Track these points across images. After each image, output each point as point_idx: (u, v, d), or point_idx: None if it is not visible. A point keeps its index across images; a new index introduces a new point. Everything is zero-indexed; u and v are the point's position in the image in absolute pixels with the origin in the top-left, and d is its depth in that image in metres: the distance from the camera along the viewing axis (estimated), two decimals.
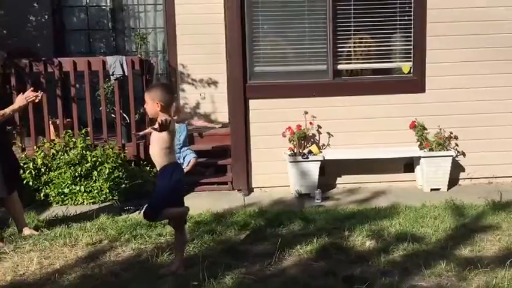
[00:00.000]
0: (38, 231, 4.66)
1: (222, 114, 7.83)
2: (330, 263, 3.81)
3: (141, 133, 4.97)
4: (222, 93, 7.74)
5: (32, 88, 4.58)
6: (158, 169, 3.69)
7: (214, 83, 7.93)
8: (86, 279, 3.64)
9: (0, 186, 4.32)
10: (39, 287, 3.53)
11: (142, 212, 4.01)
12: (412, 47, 6.19)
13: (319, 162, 5.99)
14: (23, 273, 3.78)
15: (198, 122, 6.43)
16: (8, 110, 4.40)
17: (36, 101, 4.47)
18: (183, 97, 7.95)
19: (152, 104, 3.57)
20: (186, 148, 6.11)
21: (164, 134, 3.53)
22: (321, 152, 6.13)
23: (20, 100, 4.40)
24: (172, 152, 3.71)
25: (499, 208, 5.03)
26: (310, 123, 6.09)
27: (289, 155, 6.05)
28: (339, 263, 3.82)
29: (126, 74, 6.03)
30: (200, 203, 5.59)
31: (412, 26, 6.15)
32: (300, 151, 6.06)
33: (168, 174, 3.63)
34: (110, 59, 6.03)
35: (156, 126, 3.42)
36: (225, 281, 3.54)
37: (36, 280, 3.65)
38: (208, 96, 7.97)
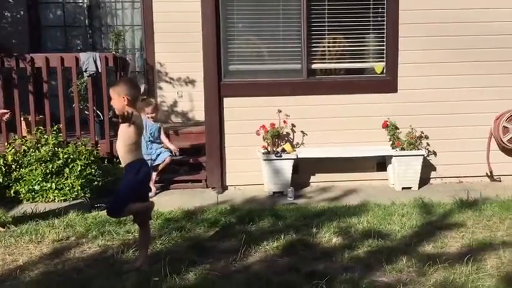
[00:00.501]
0: (4, 227, 4.62)
1: (200, 113, 7.83)
2: (294, 259, 3.84)
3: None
4: (200, 91, 7.71)
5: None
6: (123, 165, 3.68)
7: (192, 81, 7.95)
8: (48, 275, 3.62)
9: None
10: (1, 283, 3.50)
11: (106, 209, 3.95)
12: (385, 47, 6.25)
13: (293, 161, 6.03)
14: None
15: (164, 138, 6.35)
16: None
17: (4, 119, 4.45)
18: (160, 95, 7.96)
19: (118, 98, 3.59)
20: (160, 146, 6.09)
21: (130, 129, 3.52)
22: (295, 150, 6.17)
23: None
24: (138, 148, 3.70)
25: (466, 206, 5.11)
26: (284, 121, 6.12)
27: (262, 153, 6.07)
28: (304, 259, 3.85)
29: (100, 71, 6.00)
30: (172, 201, 5.60)
31: (385, 27, 6.22)
32: (274, 149, 6.08)
33: (134, 170, 3.63)
34: (83, 56, 6.00)
35: (120, 118, 3.42)
36: (188, 277, 3.55)
37: None
38: (185, 95, 7.99)
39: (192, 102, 8.02)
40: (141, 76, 8.01)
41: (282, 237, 4.27)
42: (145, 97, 6.49)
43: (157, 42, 7.83)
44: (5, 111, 4.49)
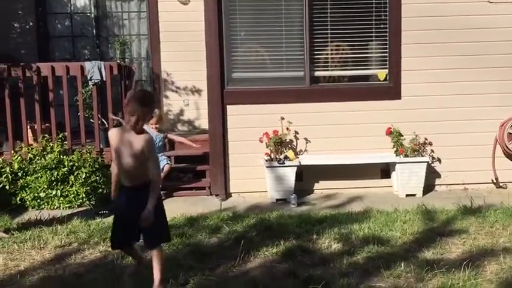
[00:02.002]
0: (8, 234, 4.68)
1: (206, 121, 7.87)
2: (293, 265, 3.84)
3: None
4: (206, 99, 7.79)
5: None
6: (134, 184, 3.38)
7: (198, 89, 7.99)
8: (48, 280, 3.66)
9: None
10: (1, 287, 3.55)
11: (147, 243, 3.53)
12: (387, 54, 6.26)
13: (295, 168, 6.04)
14: None
15: (172, 136, 6.41)
16: None
17: None
18: (166, 104, 8.01)
19: (131, 117, 3.30)
20: (160, 154, 6.14)
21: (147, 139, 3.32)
22: (297, 157, 6.18)
23: None
24: None
25: (469, 213, 5.07)
26: (287, 128, 6.14)
27: (265, 160, 6.09)
28: (302, 265, 3.85)
29: (105, 79, 6.08)
30: (176, 208, 5.61)
31: (387, 34, 6.23)
32: (277, 156, 6.10)
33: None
34: (88, 64, 6.09)
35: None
36: (186, 282, 3.56)
37: None
38: (192, 103, 8.03)
39: (198, 110, 8.06)
40: (147, 85, 8.08)
41: (282, 243, 4.27)
42: None
43: (164, 51, 7.90)
44: None
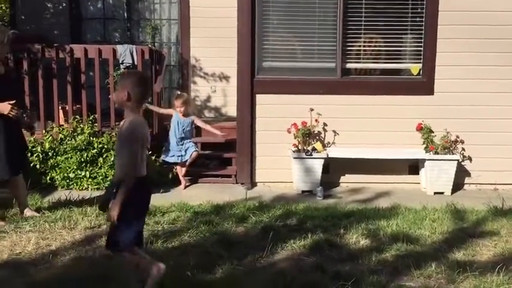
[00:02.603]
0: (39, 213, 4.77)
1: (233, 108, 7.86)
2: (320, 259, 3.82)
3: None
4: (233, 87, 7.77)
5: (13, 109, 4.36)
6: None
7: (226, 76, 7.97)
8: (79, 261, 3.72)
9: (2, 167, 4.41)
10: (34, 266, 3.62)
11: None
12: (422, 48, 6.13)
13: (323, 160, 6.00)
14: (19, 252, 3.87)
15: (198, 122, 6.40)
16: None
17: (13, 114, 4.34)
18: (194, 89, 8.01)
19: (121, 91, 3.09)
20: (188, 141, 6.17)
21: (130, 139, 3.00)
22: (325, 149, 6.13)
23: (3, 107, 4.29)
24: None
25: (501, 214, 4.97)
26: (316, 120, 6.09)
27: (293, 151, 6.06)
28: (330, 259, 3.83)
29: (136, 63, 6.10)
30: (201, 194, 5.66)
31: (423, 28, 6.10)
32: (304, 148, 6.06)
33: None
34: (120, 48, 6.11)
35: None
36: (214, 271, 3.58)
37: (31, 259, 3.74)
38: (219, 90, 8.01)
39: (225, 97, 8.04)
40: (176, 70, 8.09)
41: (309, 236, 4.25)
42: (179, 92, 6.58)
43: (193, 36, 7.88)
44: (10, 102, 4.30)
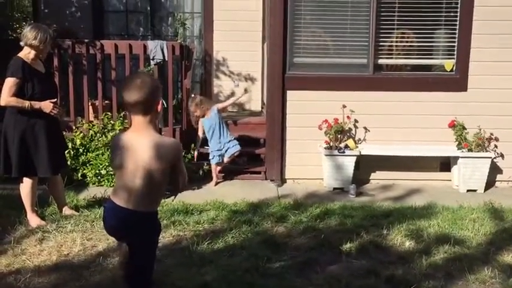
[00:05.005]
0: (78, 211, 4.74)
1: (256, 103, 7.83)
2: (370, 262, 3.80)
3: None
4: (257, 81, 7.73)
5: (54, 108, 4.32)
6: (142, 209, 2.64)
7: (249, 71, 7.90)
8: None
9: (45, 166, 4.38)
10: (85, 269, 3.60)
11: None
12: (456, 44, 6.06)
13: (355, 157, 5.95)
14: (67, 254, 3.86)
15: (221, 105, 6.18)
16: (26, 104, 4.20)
17: (54, 113, 4.32)
18: (217, 84, 7.95)
19: (157, 103, 2.70)
20: (227, 139, 6.03)
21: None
22: (357, 146, 6.08)
23: (45, 105, 4.27)
24: None
25: None
26: (348, 117, 6.03)
27: (324, 148, 6.02)
28: (380, 262, 3.80)
29: (167, 59, 6.04)
30: (234, 192, 5.63)
31: (457, 23, 6.01)
32: (336, 145, 6.01)
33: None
34: (150, 44, 6.04)
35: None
36: (266, 273, 3.55)
37: (81, 262, 3.72)
38: (242, 84, 7.94)
39: (249, 91, 7.98)
40: (199, 64, 8.01)
41: (354, 237, 4.22)
42: (193, 95, 6.50)
43: (216, 30, 7.79)
44: (52, 101, 4.29)
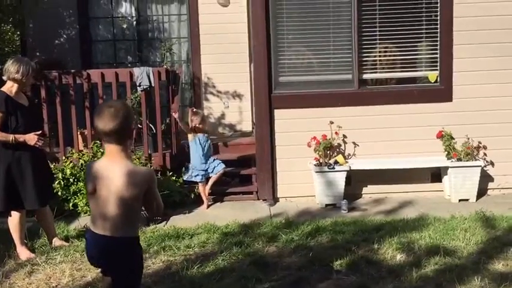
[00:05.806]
0: (68, 242, 4.73)
1: (246, 123, 7.87)
2: (361, 278, 3.78)
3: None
4: (246, 102, 7.78)
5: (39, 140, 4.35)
6: (118, 235, 2.61)
7: (238, 91, 7.96)
8: None
9: (32, 198, 4.38)
10: None
11: None
12: (438, 55, 6.12)
13: (345, 172, 5.96)
14: (56, 286, 3.84)
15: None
16: (10, 137, 4.22)
17: (39, 145, 4.33)
18: (207, 107, 8.00)
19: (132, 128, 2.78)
20: (212, 159, 6.12)
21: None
22: (347, 162, 6.09)
23: (29, 138, 4.28)
24: None
25: None
26: (336, 133, 6.06)
27: (314, 165, 6.03)
28: (370, 277, 3.79)
29: (153, 85, 6.09)
30: (226, 213, 5.62)
31: (438, 35, 6.09)
32: (326, 161, 6.03)
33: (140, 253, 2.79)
34: (137, 71, 6.10)
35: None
36: None
37: None
38: (232, 106, 8.00)
39: (238, 113, 8.03)
40: (187, 88, 8.07)
41: (344, 253, 4.20)
42: (193, 108, 6.53)
43: (204, 53, 7.89)
44: (36, 133, 4.29)
